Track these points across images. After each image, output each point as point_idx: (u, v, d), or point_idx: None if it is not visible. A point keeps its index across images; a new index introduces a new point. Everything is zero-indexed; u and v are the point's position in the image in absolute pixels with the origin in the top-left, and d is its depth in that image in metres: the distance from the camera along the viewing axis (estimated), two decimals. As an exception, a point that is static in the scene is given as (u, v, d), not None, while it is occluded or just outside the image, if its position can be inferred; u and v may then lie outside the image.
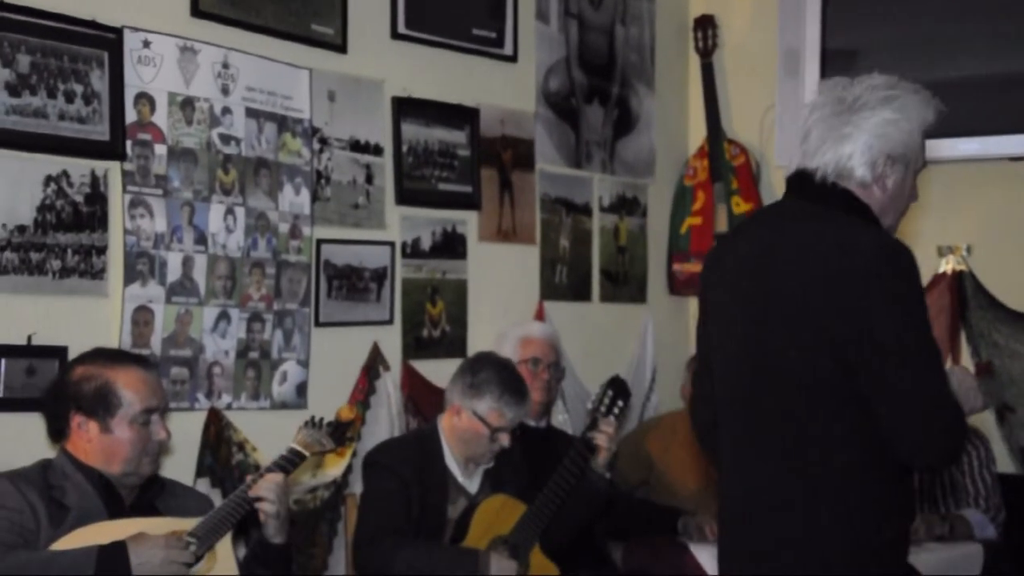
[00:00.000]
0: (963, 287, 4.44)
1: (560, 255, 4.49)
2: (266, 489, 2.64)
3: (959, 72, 4.27)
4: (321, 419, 2.86)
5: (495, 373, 3.31)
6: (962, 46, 4.29)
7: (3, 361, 2.90)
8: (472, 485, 3.34)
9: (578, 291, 4.57)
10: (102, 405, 2.57)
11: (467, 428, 3.29)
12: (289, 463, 2.77)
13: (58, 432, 2.62)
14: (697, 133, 5.01)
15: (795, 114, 4.43)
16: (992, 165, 4.37)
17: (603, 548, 3.80)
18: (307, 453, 2.77)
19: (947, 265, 4.47)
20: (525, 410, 3.36)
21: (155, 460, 2.67)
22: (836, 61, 4.47)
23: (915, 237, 4.41)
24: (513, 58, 4.30)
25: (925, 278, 4.41)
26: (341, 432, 2.89)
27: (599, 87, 4.67)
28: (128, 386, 2.60)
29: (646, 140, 4.88)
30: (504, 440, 3.28)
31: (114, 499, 2.58)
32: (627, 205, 4.80)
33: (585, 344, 4.50)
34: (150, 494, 2.67)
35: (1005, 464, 4.22)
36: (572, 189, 4.54)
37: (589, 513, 3.43)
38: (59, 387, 2.63)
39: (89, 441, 2.58)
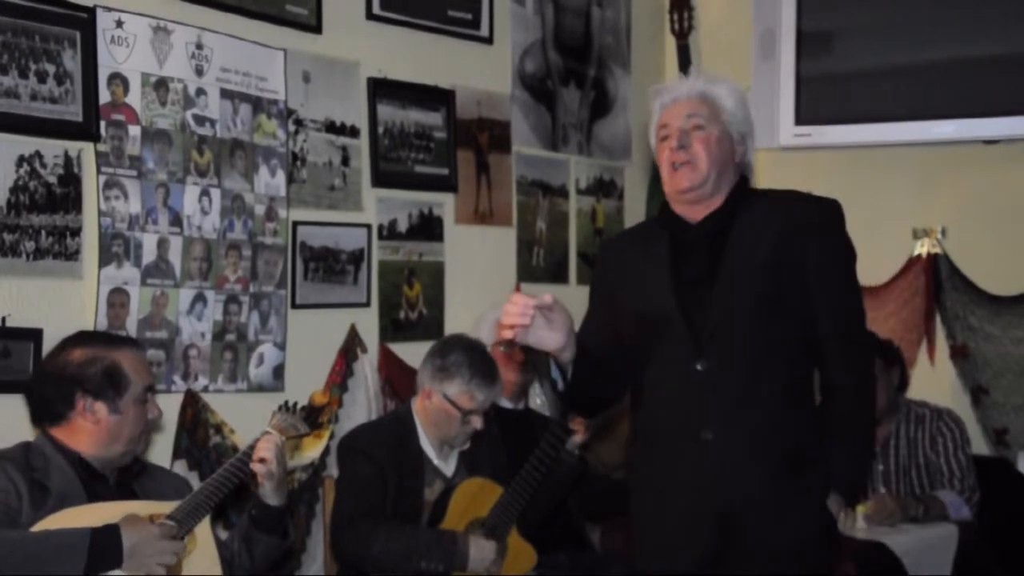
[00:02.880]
0: (938, 270, 4.46)
1: (537, 237, 4.49)
2: (266, 449, 2.65)
3: (934, 55, 4.29)
4: (295, 403, 2.86)
5: (465, 356, 3.31)
6: (937, 29, 4.30)
7: (-24, 343, 2.87)
8: (448, 468, 3.34)
9: (555, 273, 4.57)
10: (111, 386, 2.56)
11: (439, 411, 3.29)
12: None
13: (53, 416, 2.59)
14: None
15: (771, 96, 4.44)
16: (967, 148, 4.39)
17: (581, 530, 3.81)
18: (282, 437, 2.76)
19: (922, 248, 4.49)
20: (496, 392, 3.35)
21: (148, 437, 2.69)
22: (812, 43, 4.48)
23: (890, 219, 4.44)
24: (489, 40, 4.28)
25: (900, 260, 4.50)
26: (315, 416, 2.88)
27: (575, 69, 4.66)
28: (130, 367, 2.61)
29: (622, 122, 4.88)
30: (476, 423, 3.28)
31: (95, 481, 2.57)
32: (604, 187, 4.80)
33: (562, 326, 4.49)
34: (128, 476, 2.65)
35: (980, 446, 4.26)
36: (549, 171, 4.54)
37: (561, 492, 3.45)
38: (57, 371, 2.59)
39: (96, 423, 2.56)
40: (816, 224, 2.54)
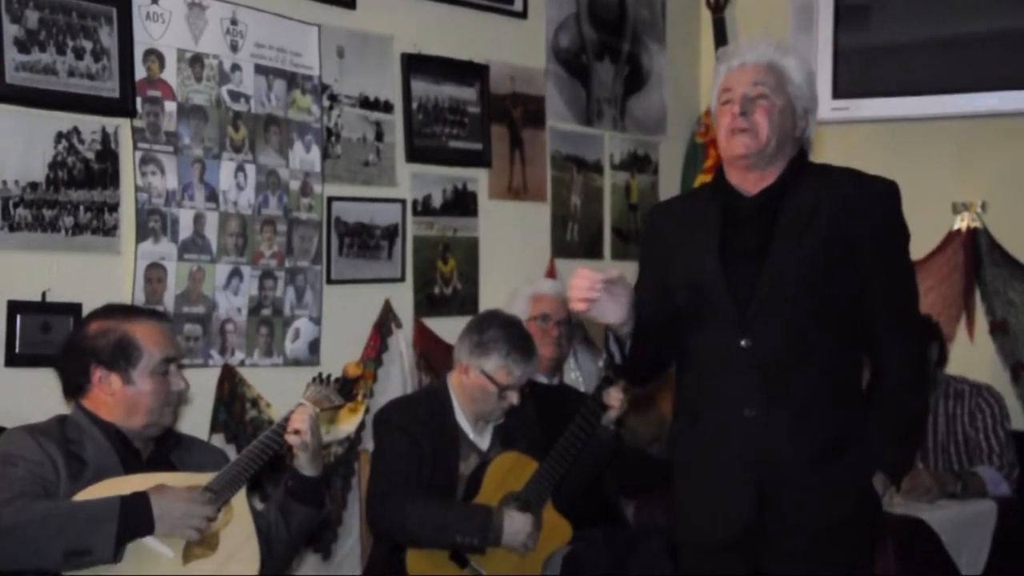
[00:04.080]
0: (978, 244, 4.40)
1: (571, 212, 4.47)
2: (300, 421, 2.66)
3: (974, 27, 4.23)
4: (329, 375, 2.87)
5: (502, 331, 3.31)
6: (977, 0, 4.24)
7: (19, 317, 2.91)
8: (483, 442, 3.35)
9: (589, 248, 4.56)
10: (123, 357, 2.58)
11: (475, 386, 3.29)
12: None
13: (76, 388, 2.62)
14: (709, 89, 4.96)
15: (808, 70, 4.39)
16: (1009, 120, 4.32)
17: (615, 505, 3.81)
18: (317, 409, 2.77)
19: (962, 222, 4.43)
20: (533, 368, 3.36)
21: (175, 410, 2.69)
22: (850, 15, 4.42)
23: (929, 193, 4.39)
24: (523, 14, 4.26)
25: (939, 235, 4.44)
26: (349, 388, 2.89)
27: (610, 43, 4.64)
28: (146, 337, 2.61)
29: (657, 97, 4.85)
30: (513, 398, 3.28)
31: (130, 454, 2.59)
32: (638, 162, 4.77)
33: (597, 302, 4.48)
34: (165, 448, 2.68)
35: (1020, 421, 4.20)
36: (583, 146, 4.52)
37: (596, 468, 3.45)
38: (75, 343, 2.63)
39: (112, 394, 2.58)
40: (872, 205, 2.50)
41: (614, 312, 2.39)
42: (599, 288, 2.35)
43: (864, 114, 4.42)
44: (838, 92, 4.43)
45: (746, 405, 2.47)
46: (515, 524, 3.16)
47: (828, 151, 4.25)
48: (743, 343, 2.47)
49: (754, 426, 2.47)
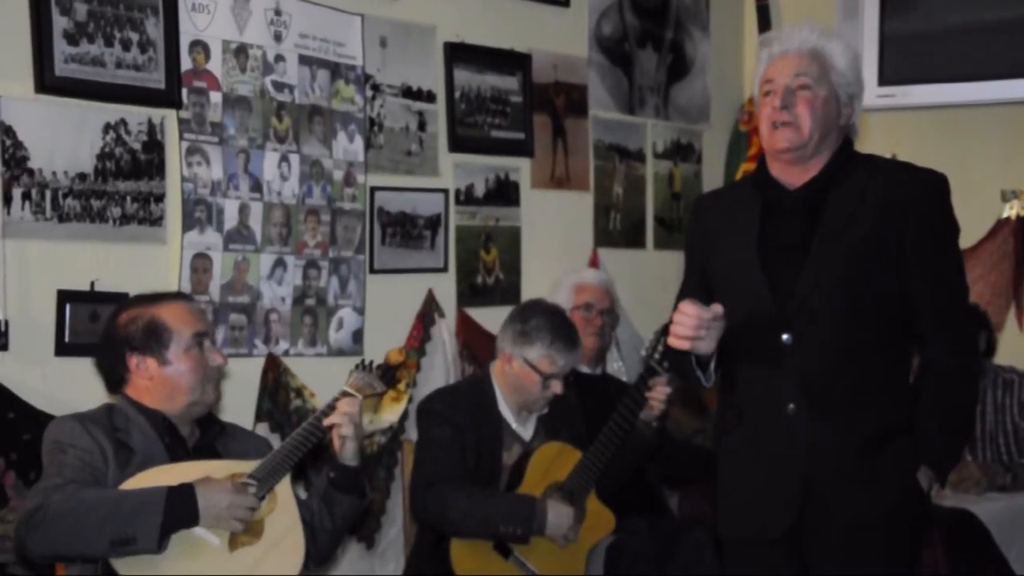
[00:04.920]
0: (1028, 232, 4.35)
1: (614, 202, 4.46)
2: (342, 413, 2.67)
3: (1023, 11, 4.16)
4: (371, 362, 2.88)
5: (545, 320, 3.30)
6: (1027, -17, 4.17)
7: (68, 307, 2.94)
8: (526, 432, 3.35)
9: (632, 238, 4.54)
10: (154, 339, 2.60)
11: (519, 375, 3.29)
12: None
13: (118, 381, 2.65)
14: (752, 77, 4.91)
15: (854, 57, 4.34)
16: (1058, 107, 4.26)
17: (660, 496, 3.80)
18: (359, 396, 2.78)
19: (1011, 210, 4.37)
20: (576, 357, 3.35)
21: (217, 386, 2.70)
22: (896, 3, 4.36)
23: (978, 182, 4.32)
24: (566, 3, 4.25)
25: (988, 223, 4.38)
26: (391, 374, 2.89)
27: (653, 31, 4.61)
28: (173, 318, 2.63)
29: (701, 85, 4.82)
30: (556, 387, 3.28)
31: (176, 442, 2.62)
32: (681, 151, 4.75)
33: (639, 291, 4.47)
34: (210, 436, 2.70)
35: (1069, 412, 4.16)
36: (625, 135, 4.50)
37: (636, 460, 3.43)
38: (109, 337, 2.66)
39: (151, 379, 2.61)
40: (921, 198, 2.45)
41: (708, 344, 2.41)
42: (705, 327, 2.35)
43: (911, 101, 4.36)
44: (884, 79, 4.37)
45: (789, 401, 2.45)
46: (559, 515, 3.16)
47: (874, 139, 4.20)
48: (784, 338, 2.44)
49: (797, 422, 2.44)
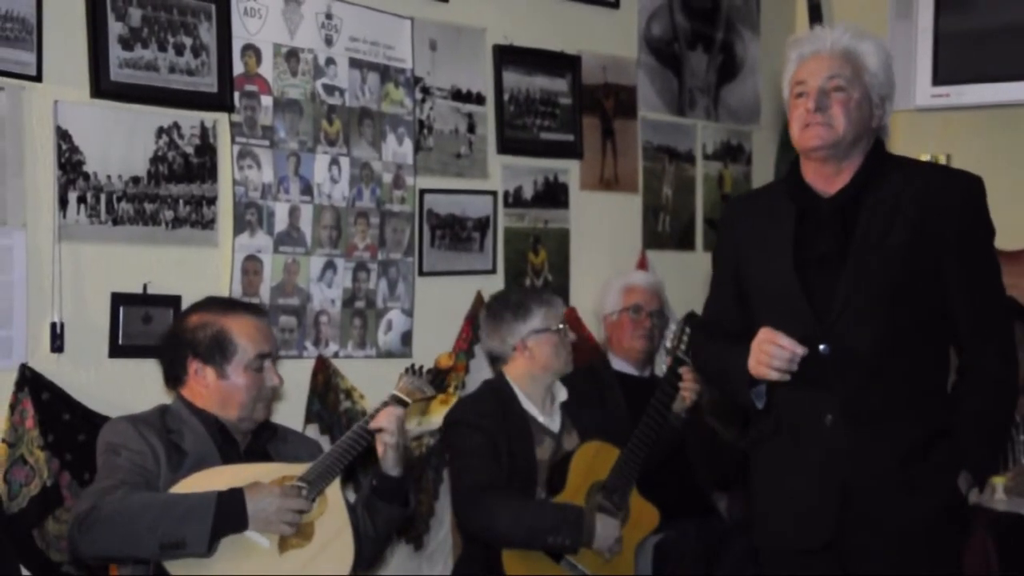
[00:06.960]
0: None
1: (663, 203, 4.44)
2: (387, 420, 2.68)
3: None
4: (421, 367, 2.89)
5: (517, 294, 3.46)
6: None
7: (122, 309, 2.98)
8: (554, 424, 3.35)
9: (681, 240, 4.52)
10: (218, 351, 2.62)
11: (542, 350, 3.31)
12: None
13: (175, 378, 2.69)
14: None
15: (907, 58, 4.29)
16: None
17: (708, 498, 3.78)
18: (409, 400, 2.79)
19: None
20: (558, 300, 3.44)
21: (268, 406, 2.72)
22: (950, 1, 4.30)
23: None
24: (615, 4, 4.24)
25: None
26: (441, 379, 2.90)
27: (703, 32, 4.58)
28: (242, 333, 2.65)
29: (751, 86, 4.78)
30: (571, 335, 3.36)
31: (228, 444, 2.64)
32: (731, 152, 4.72)
33: (688, 293, 4.43)
34: (262, 439, 2.72)
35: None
36: (675, 137, 4.48)
37: (666, 452, 3.42)
38: (175, 334, 2.69)
39: (206, 387, 2.64)
40: (957, 202, 2.42)
41: (785, 374, 2.41)
42: (797, 362, 2.36)
43: (965, 100, 4.29)
44: (938, 78, 4.31)
45: (827, 412, 2.43)
46: (606, 528, 3.16)
47: (927, 139, 4.16)
48: (822, 348, 2.41)
49: (835, 433, 2.42)
